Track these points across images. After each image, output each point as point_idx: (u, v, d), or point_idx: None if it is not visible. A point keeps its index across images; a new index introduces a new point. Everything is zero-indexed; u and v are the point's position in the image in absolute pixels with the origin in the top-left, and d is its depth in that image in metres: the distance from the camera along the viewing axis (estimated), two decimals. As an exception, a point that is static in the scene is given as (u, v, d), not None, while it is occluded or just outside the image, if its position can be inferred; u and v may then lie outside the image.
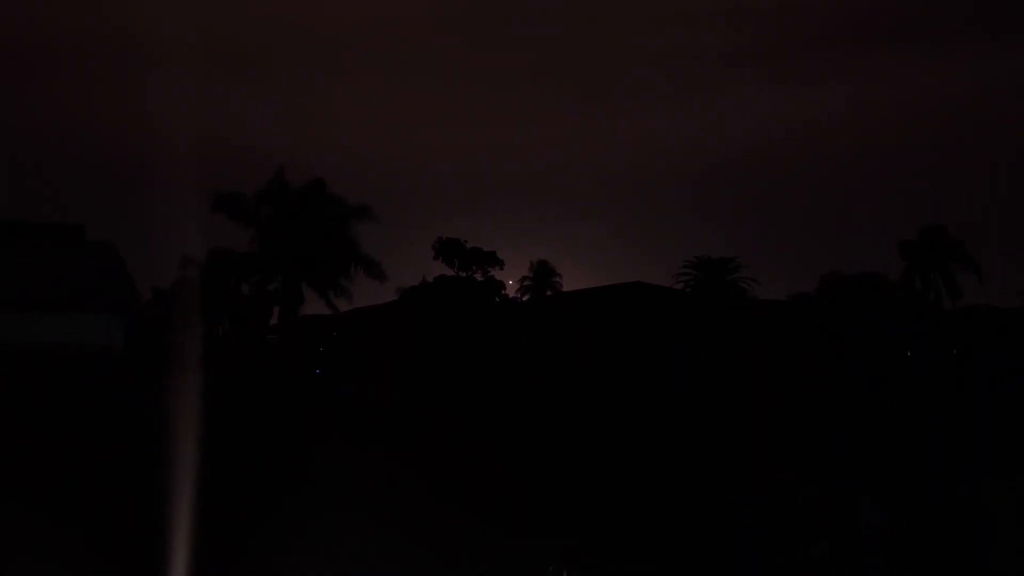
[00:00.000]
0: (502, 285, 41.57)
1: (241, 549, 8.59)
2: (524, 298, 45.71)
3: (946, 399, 24.80)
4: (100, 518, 9.01)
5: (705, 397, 21.21)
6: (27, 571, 7.19)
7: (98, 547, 8.33)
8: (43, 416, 9.18)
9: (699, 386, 22.70)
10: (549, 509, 10.89)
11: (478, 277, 41.18)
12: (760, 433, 17.93)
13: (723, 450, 16.60)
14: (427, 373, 25.38)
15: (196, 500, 7.11)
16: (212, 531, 7.02)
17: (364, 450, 15.46)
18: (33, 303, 9.79)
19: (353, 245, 35.00)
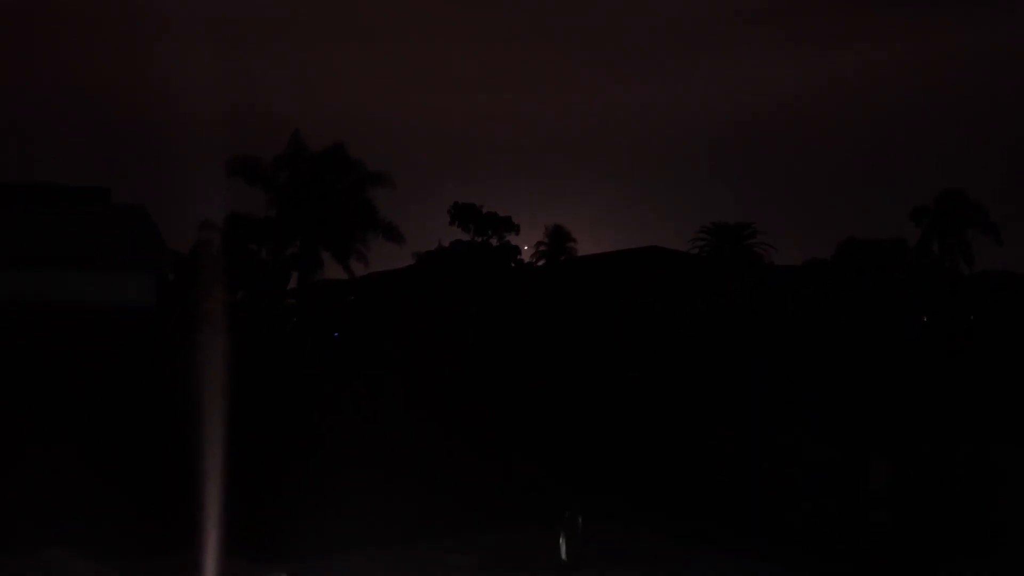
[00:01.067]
0: (517, 250, 41.59)
1: (268, 499, 8.90)
2: (539, 263, 45.76)
3: (960, 364, 24.85)
4: (136, 468, 9.33)
5: (722, 359, 21.36)
6: (60, 517, 7.50)
7: (132, 496, 8.64)
8: (88, 368, 9.48)
9: (716, 349, 22.83)
10: (566, 466, 11.15)
11: (493, 242, 41.24)
12: (774, 395, 18.10)
13: (736, 410, 16.80)
14: (444, 336, 25.61)
15: (227, 453, 7.38)
16: (242, 483, 7.29)
17: (382, 410, 15.75)
18: (74, 262, 10.08)
19: (371, 209, 35.09)
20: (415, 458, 11.01)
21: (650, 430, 14.07)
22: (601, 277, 31.07)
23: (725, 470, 12.52)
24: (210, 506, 6.89)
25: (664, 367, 19.74)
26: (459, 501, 9.03)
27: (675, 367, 19.94)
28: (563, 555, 6.85)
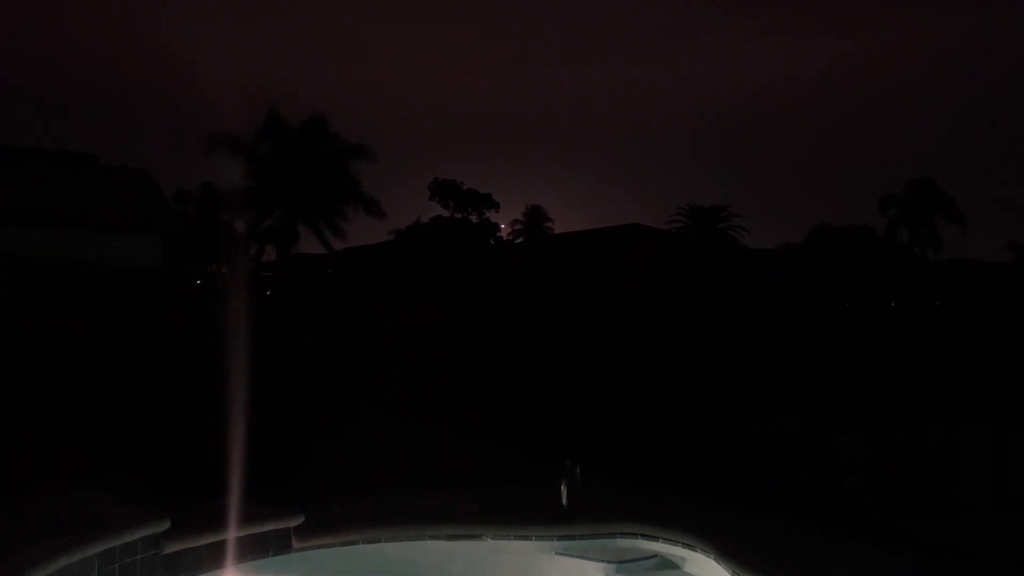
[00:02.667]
0: (497, 227, 41.98)
1: (282, 457, 9.22)
2: (518, 240, 46.12)
3: (928, 349, 25.63)
4: (155, 422, 9.57)
5: (704, 339, 21.88)
6: (84, 466, 7.76)
7: (154, 448, 8.91)
8: (104, 325, 9.67)
9: (698, 328, 23.34)
10: (554, 438, 11.54)
11: (473, 219, 41.57)
12: (751, 375, 18.64)
13: (717, 389, 17.31)
14: (422, 311, 25.85)
15: (243, 415, 7.68)
16: (256, 442, 7.60)
17: (362, 383, 16.04)
18: (88, 222, 10.19)
19: (353, 183, 35.16)
20: (409, 435, 11.39)
21: (639, 411, 14.51)
22: (584, 253, 31.48)
23: (710, 442, 13.01)
24: (231, 460, 7.18)
25: (652, 348, 20.18)
26: (454, 471, 9.44)
27: (662, 348, 20.39)
28: (564, 502, 7.22)
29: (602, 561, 6.89)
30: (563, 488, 7.29)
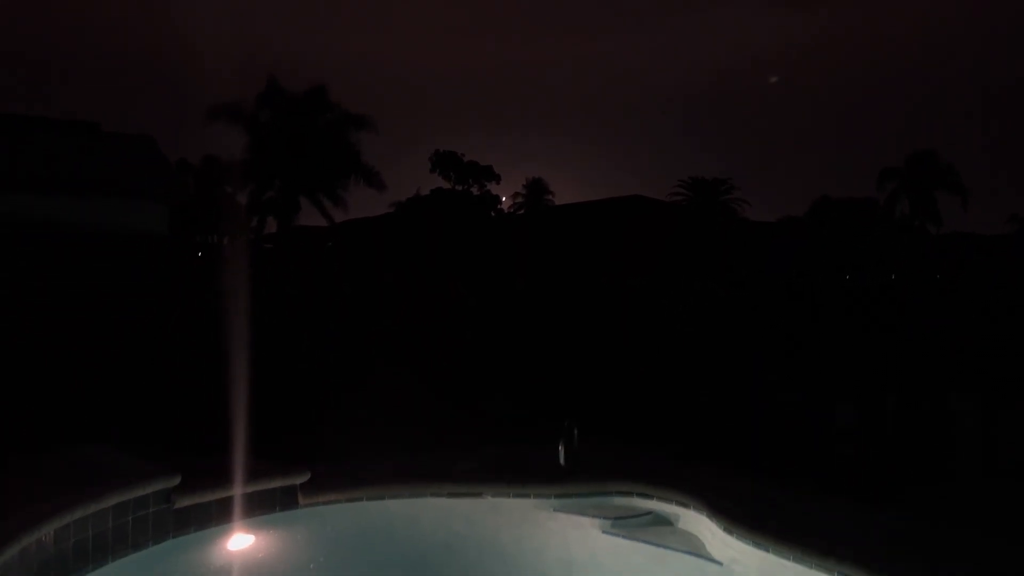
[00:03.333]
0: (498, 199, 41.95)
1: (288, 419, 9.44)
2: (519, 212, 46.10)
3: (926, 320, 25.83)
4: (164, 382, 9.77)
5: (705, 311, 22.07)
6: (93, 422, 7.95)
7: (162, 408, 9.10)
8: (119, 290, 9.83)
9: (699, 300, 23.51)
10: (552, 402, 11.76)
11: (474, 191, 41.54)
12: (751, 346, 18.85)
13: (716, 360, 17.52)
14: (423, 283, 26.00)
15: (250, 376, 7.87)
16: (262, 404, 7.79)
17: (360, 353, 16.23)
18: (93, 188, 10.29)
19: (353, 154, 35.15)
20: (412, 402, 11.60)
21: (638, 379, 14.72)
22: (586, 225, 31.54)
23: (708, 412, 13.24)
24: (236, 420, 7.37)
25: (656, 321, 20.34)
26: (455, 433, 9.66)
27: (666, 321, 20.55)
28: (561, 461, 7.42)
29: (598, 518, 7.11)
30: (561, 448, 7.49)
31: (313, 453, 7.97)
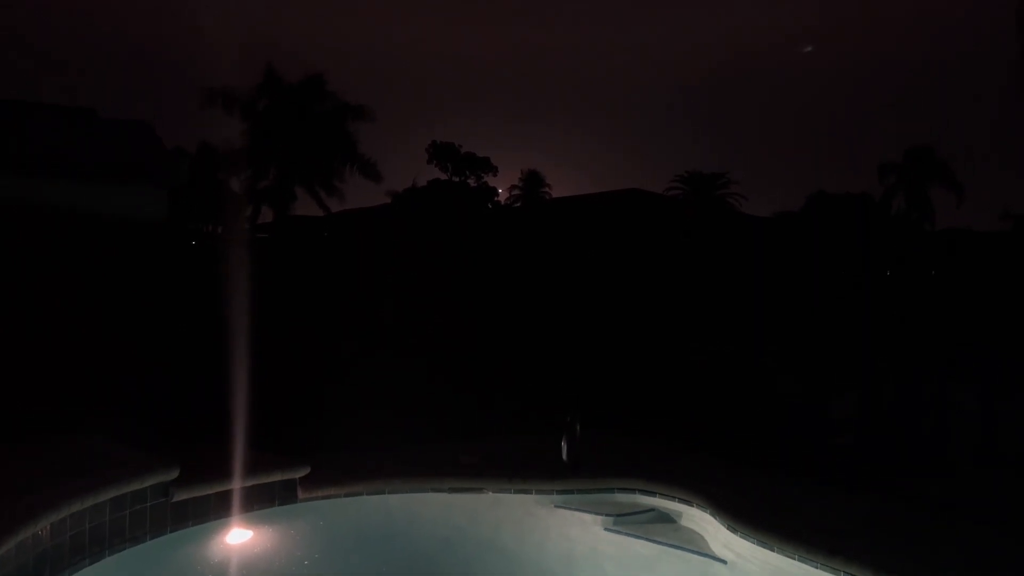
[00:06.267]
0: (495, 191, 41.80)
1: (288, 410, 9.38)
2: (516, 205, 45.97)
3: (922, 313, 25.85)
4: (163, 372, 9.70)
5: (709, 302, 22.05)
6: (91, 412, 7.87)
7: (161, 396, 9.04)
8: (118, 276, 9.75)
9: (700, 291, 23.48)
10: (550, 391, 11.71)
11: (471, 183, 41.37)
12: (751, 335, 18.82)
13: (718, 357, 17.50)
14: (420, 274, 25.91)
15: (250, 367, 7.79)
16: (263, 395, 7.72)
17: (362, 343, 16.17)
18: (91, 173, 10.17)
19: (350, 143, 34.95)
20: (412, 394, 11.55)
21: (638, 371, 14.69)
22: (583, 218, 31.49)
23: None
24: (236, 410, 7.29)
25: (657, 309, 20.29)
26: (456, 424, 9.62)
27: (661, 308, 20.50)
28: (564, 456, 7.36)
29: (600, 514, 7.05)
30: (563, 443, 7.43)
31: (313, 444, 7.91)
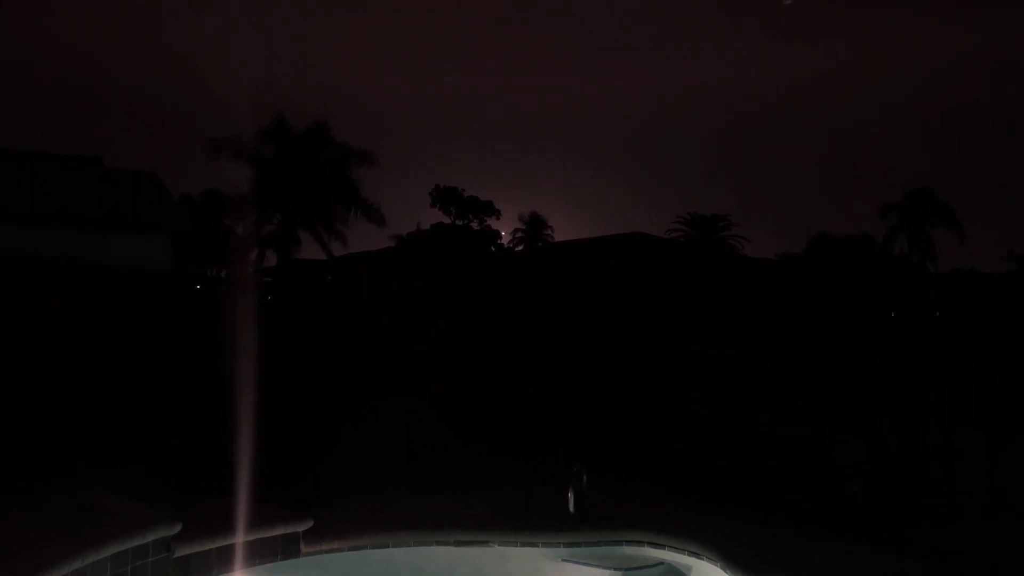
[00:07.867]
0: (498, 234, 42.06)
1: (292, 459, 9.31)
2: (518, 248, 46.19)
3: (927, 358, 25.68)
4: (165, 419, 9.65)
5: (711, 346, 21.89)
6: (95, 464, 7.81)
7: (163, 446, 8.98)
8: (122, 326, 9.77)
9: (702, 336, 23.35)
10: (555, 439, 11.60)
11: (474, 226, 41.65)
12: (752, 383, 18.69)
13: (717, 396, 17.34)
14: (424, 318, 25.89)
15: (254, 413, 7.75)
16: (266, 443, 7.67)
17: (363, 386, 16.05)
18: (96, 223, 10.24)
19: (353, 189, 35.27)
20: (415, 439, 11.47)
21: (647, 419, 14.56)
22: (586, 263, 31.54)
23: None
24: (240, 460, 7.23)
25: (654, 352, 20.16)
26: (462, 473, 9.53)
27: (665, 353, 20.36)
28: (571, 507, 7.27)
29: (608, 568, 6.94)
30: (570, 494, 7.34)
31: (315, 493, 7.82)
